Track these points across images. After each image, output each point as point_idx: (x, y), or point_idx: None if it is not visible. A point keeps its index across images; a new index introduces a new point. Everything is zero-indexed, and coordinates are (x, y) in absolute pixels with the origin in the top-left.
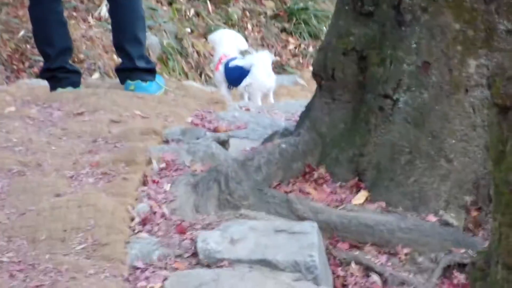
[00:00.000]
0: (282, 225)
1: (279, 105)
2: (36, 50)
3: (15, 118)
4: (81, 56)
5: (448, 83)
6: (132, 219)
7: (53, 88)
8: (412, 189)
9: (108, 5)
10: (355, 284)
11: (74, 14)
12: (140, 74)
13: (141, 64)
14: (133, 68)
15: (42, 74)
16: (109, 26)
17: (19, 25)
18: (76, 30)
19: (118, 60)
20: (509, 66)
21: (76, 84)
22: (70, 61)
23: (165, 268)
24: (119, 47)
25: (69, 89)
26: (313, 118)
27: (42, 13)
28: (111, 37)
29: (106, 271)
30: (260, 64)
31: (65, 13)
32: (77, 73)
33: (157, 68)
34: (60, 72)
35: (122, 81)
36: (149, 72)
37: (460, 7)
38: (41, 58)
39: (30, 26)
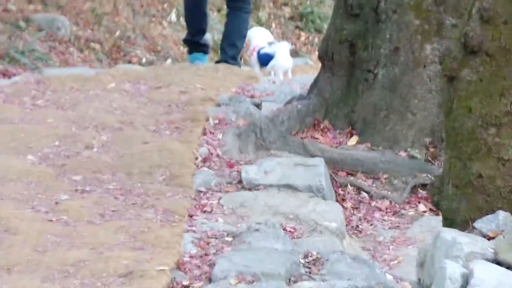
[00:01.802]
0: (300, 160)
1: (295, 79)
2: (128, 44)
3: (114, 91)
4: (159, 47)
5: (412, 61)
6: (196, 159)
7: (190, 52)
8: (389, 135)
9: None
10: (351, 199)
11: (153, 19)
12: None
13: (230, 61)
14: (224, 61)
15: (184, 40)
16: (177, 27)
17: (116, 27)
18: (155, 30)
19: (183, 50)
20: (453, 49)
21: (205, 51)
22: (203, 38)
23: (220, 191)
24: (222, 47)
25: (200, 55)
26: (319, 87)
27: (193, 4)
28: (179, 35)
29: (179, 194)
30: (281, 51)
31: (146, 19)
32: (207, 46)
33: (210, 55)
34: (196, 42)
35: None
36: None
37: (418, 9)
38: (131, 50)
39: (123, 28)
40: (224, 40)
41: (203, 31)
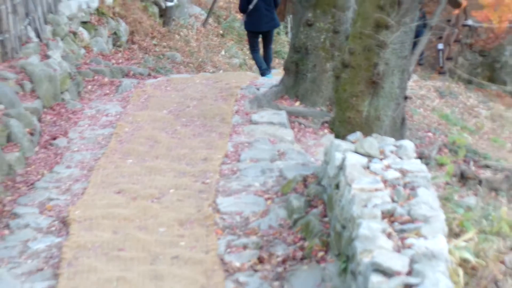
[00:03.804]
0: (276, 111)
1: (275, 78)
2: (204, 64)
3: (198, 84)
4: (217, 65)
5: (321, 70)
6: (232, 111)
7: (263, 75)
8: (313, 100)
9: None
10: (296, 128)
11: (214, 53)
12: (267, 70)
13: (269, 68)
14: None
15: (260, 71)
16: (225, 57)
17: (198, 57)
18: (216, 58)
19: (227, 67)
20: (338, 65)
21: (269, 74)
22: (266, 67)
23: (243, 125)
24: (266, 62)
25: (268, 75)
26: (283, 80)
27: (258, 53)
28: (226, 60)
29: (226, 126)
30: None
31: (212, 54)
32: (269, 70)
33: (238, 69)
34: (265, 70)
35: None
36: (269, 69)
37: (324, 48)
38: (205, 67)
39: (201, 57)
40: (266, 60)
41: (266, 65)
